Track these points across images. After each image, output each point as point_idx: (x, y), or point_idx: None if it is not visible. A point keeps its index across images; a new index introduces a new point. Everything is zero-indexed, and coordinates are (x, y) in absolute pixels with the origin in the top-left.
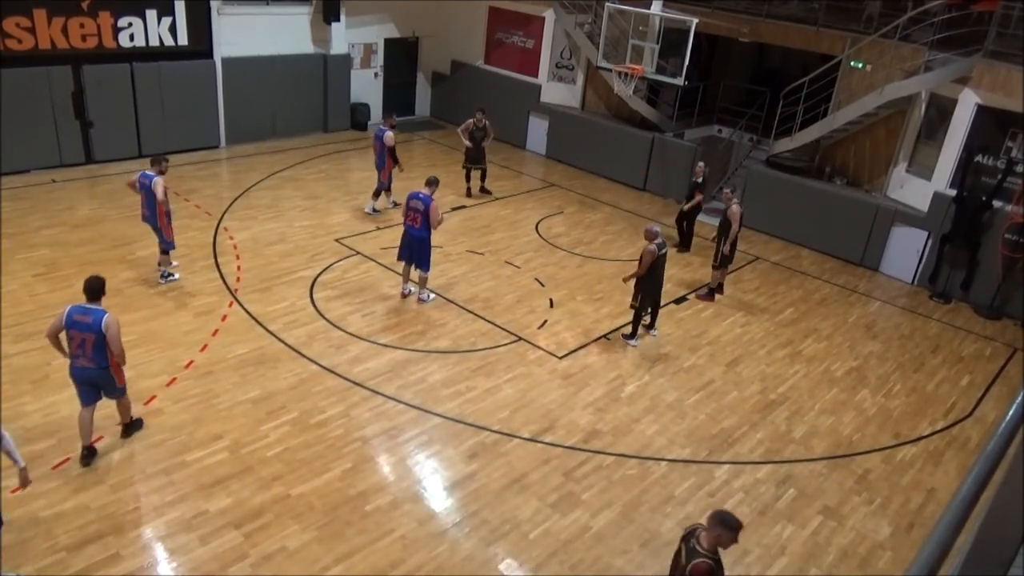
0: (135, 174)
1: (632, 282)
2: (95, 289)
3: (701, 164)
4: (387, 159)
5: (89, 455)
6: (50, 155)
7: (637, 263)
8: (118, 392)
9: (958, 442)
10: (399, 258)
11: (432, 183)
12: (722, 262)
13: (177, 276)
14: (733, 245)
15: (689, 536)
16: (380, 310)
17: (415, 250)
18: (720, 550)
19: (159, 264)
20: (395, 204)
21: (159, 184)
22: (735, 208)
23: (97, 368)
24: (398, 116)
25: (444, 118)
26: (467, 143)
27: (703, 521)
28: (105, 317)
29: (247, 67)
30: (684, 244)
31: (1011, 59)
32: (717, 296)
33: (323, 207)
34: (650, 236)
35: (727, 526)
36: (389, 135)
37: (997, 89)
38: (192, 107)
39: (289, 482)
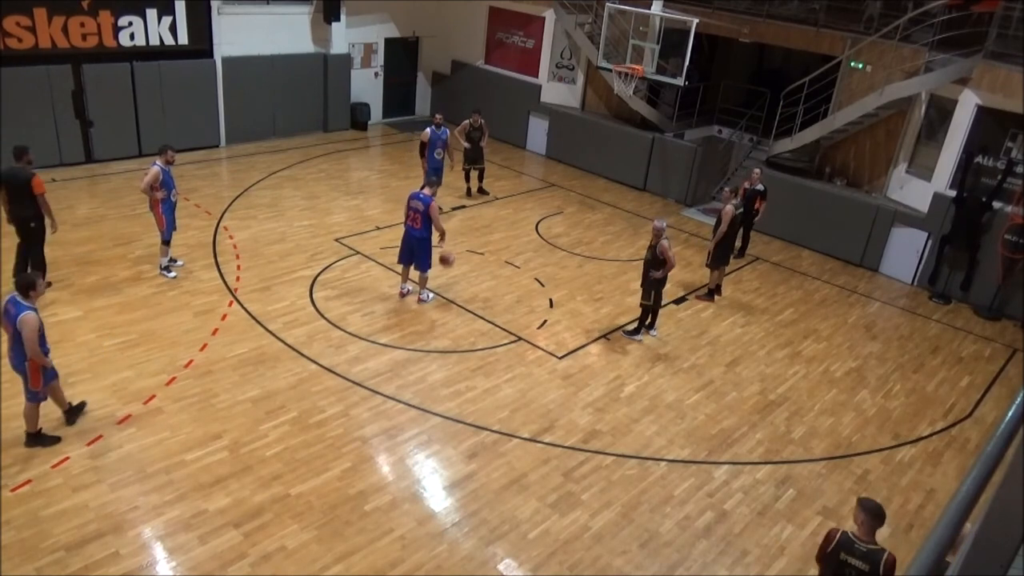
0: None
1: (659, 273)
2: (21, 286)
3: (758, 171)
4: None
5: (30, 440)
6: (50, 154)
7: (645, 262)
8: (28, 394)
9: (957, 443)
10: (400, 260)
11: (432, 183)
12: (714, 262)
13: (174, 274)
14: (720, 245)
15: (847, 544)
16: (380, 310)
17: (415, 251)
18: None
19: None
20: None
21: (149, 171)
22: (728, 208)
23: (12, 362)
24: (397, 116)
25: (444, 118)
26: (465, 144)
27: (853, 519)
28: (23, 314)
29: (247, 66)
30: (740, 250)
31: (1011, 60)
32: (716, 297)
33: (323, 207)
34: (660, 232)
35: (861, 505)
36: (424, 131)
37: (997, 90)
38: (192, 106)
39: (288, 482)
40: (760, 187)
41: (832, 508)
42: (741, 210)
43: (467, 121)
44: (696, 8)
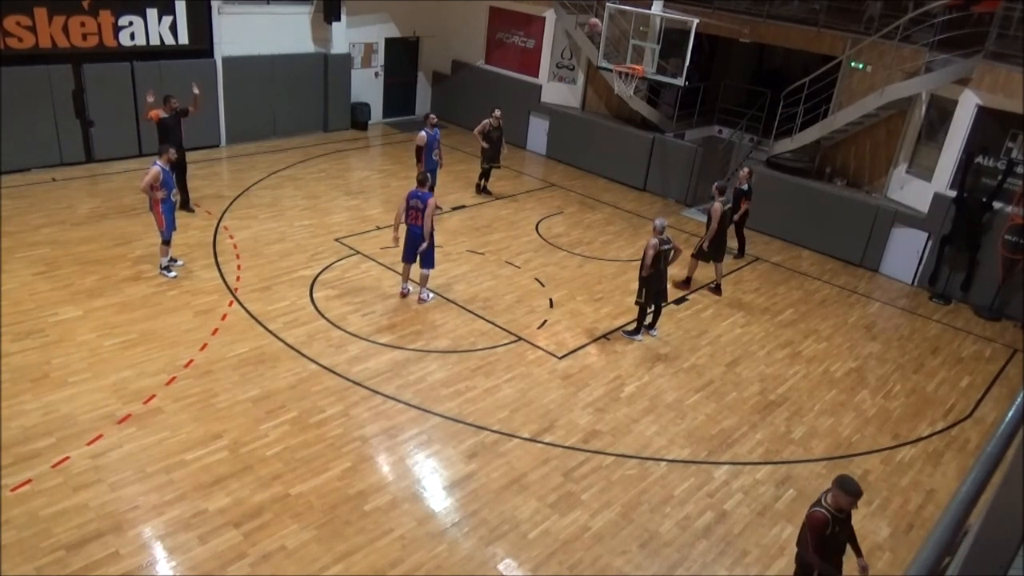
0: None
1: (643, 272)
2: None
3: (746, 169)
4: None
5: None
6: (50, 154)
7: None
8: None
9: (957, 443)
10: (404, 259)
11: (425, 180)
12: (700, 255)
13: (174, 274)
14: (711, 242)
15: (824, 496)
16: (380, 310)
17: (419, 249)
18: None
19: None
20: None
21: (149, 171)
22: (716, 206)
23: None
24: (397, 116)
25: (445, 118)
26: (483, 144)
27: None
28: None
29: (248, 66)
30: (739, 250)
31: (1012, 60)
32: (692, 295)
33: (323, 206)
34: (654, 230)
35: (843, 489)
36: (420, 135)
37: (997, 90)
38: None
39: (288, 481)
40: (744, 187)
41: None
42: (729, 206)
43: (487, 121)
44: (696, 8)
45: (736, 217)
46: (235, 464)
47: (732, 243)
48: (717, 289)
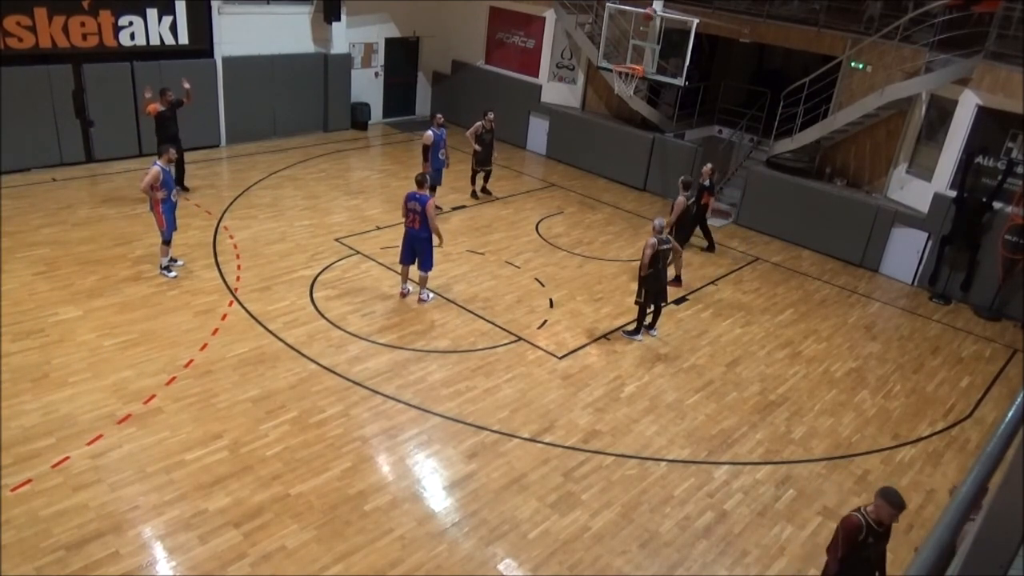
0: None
1: (641, 272)
2: None
3: (709, 166)
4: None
5: None
6: (50, 154)
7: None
8: None
9: (958, 443)
10: (401, 260)
11: (423, 181)
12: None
13: (174, 274)
14: (675, 233)
15: (864, 506)
16: (380, 310)
17: (417, 251)
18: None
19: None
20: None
21: (149, 171)
22: (680, 199)
23: None
24: (397, 116)
25: (445, 118)
26: (476, 146)
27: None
28: None
29: (248, 66)
30: (708, 245)
31: (1012, 60)
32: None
33: (323, 206)
34: (653, 230)
35: (887, 500)
36: (427, 134)
37: (998, 90)
38: (192, 106)
39: (288, 481)
40: (707, 182)
41: (832, 508)
42: (693, 200)
43: (479, 123)
44: (696, 8)
45: (708, 214)
46: (235, 464)
47: (702, 242)
48: (676, 280)
